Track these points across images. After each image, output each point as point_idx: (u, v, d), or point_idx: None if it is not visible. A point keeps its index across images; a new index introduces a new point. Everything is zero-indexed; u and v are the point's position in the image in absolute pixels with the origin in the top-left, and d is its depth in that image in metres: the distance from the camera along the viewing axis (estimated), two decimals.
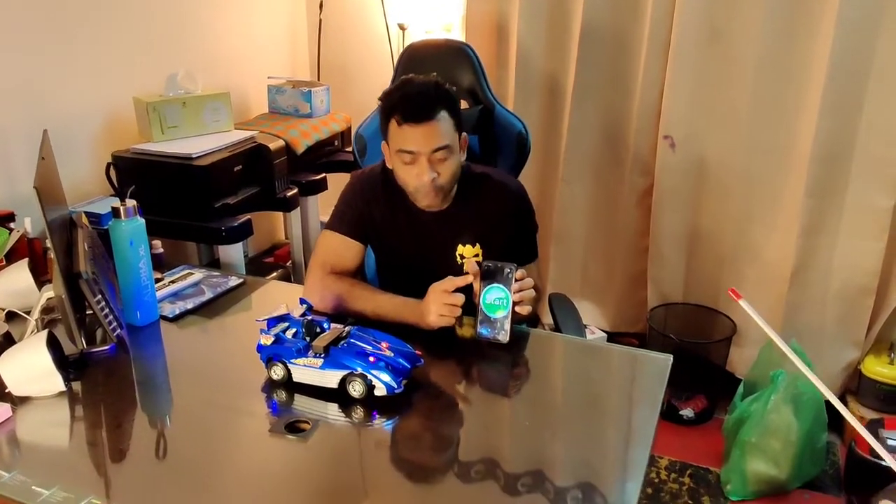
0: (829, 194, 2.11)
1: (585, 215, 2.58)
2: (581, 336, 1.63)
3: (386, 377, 1.15)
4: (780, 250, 2.24)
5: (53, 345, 1.21)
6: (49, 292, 1.35)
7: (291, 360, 1.20)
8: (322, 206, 2.62)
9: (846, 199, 2.11)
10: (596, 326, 2.68)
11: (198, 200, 1.93)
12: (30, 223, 1.67)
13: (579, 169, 2.50)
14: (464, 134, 1.48)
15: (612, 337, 2.63)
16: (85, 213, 1.61)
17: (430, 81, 1.45)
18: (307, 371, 1.19)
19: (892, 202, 2.05)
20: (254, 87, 2.64)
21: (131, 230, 1.38)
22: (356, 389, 1.16)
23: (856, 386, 2.26)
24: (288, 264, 2.53)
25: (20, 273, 1.47)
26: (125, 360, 1.35)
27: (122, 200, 1.38)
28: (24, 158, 1.85)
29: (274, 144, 2.13)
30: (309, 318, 1.25)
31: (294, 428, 1.11)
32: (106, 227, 1.41)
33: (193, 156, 1.92)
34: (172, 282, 1.62)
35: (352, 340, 1.21)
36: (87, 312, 1.37)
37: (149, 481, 1.03)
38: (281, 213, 2.85)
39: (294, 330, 1.23)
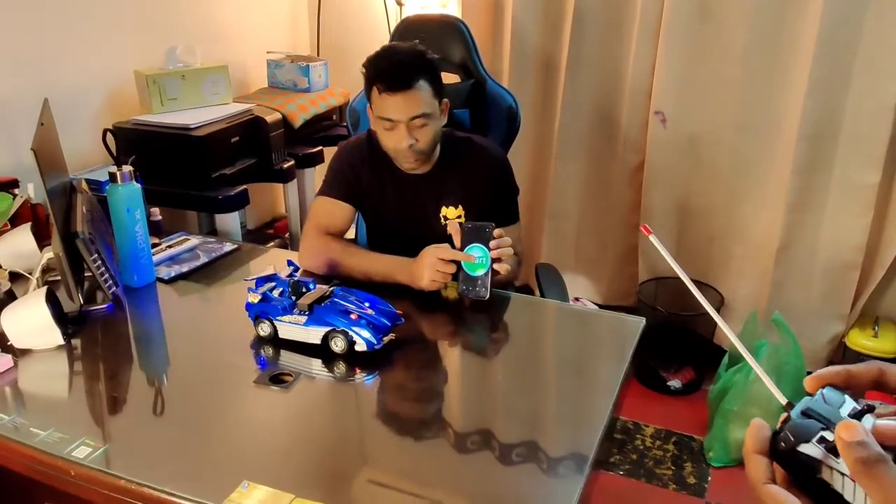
0: (816, 171, 2.14)
1: (578, 192, 2.62)
2: (564, 301, 1.68)
3: (366, 334, 1.20)
4: (767, 226, 2.27)
5: (52, 301, 1.27)
6: (50, 253, 1.42)
7: (277, 318, 1.26)
8: (319, 178, 2.66)
9: (832, 176, 2.14)
10: (588, 299, 2.73)
11: (195, 170, 1.98)
12: (33, 189, 1.73)
13: (573, 146, 2.54)
14: (445, 100, 1.54)
15: (604, 309, 2.68)
16: (85, 179, 1.67)
17: (411, 50, 1.50)
18: (292, 328, 1.25)
19: (878, 178, 2.07)
20: (254, 62, 2.69)
21: (128, 194, 1.44)
22: (337, 345, 1.22)
23: (840, 358, 2.31)
24: (286, 235, 2.59)
25: (23, 236, 1.53)
26: (122, 318, 1.41)
27: (119, 166, 1.44)
28: (28, 128, 1.88)
29: (271, 117, 2.18)
30: (295, 278, 1.31)
31: (278, 380, 1.17)
32: (105, 194, 1.47)
33: (191, 126, 1.97)
34: (169, 247, 1.68)
35: (335, 299, 1.27)
36: (86, 274, 1.43)
37: (141, 427, 1.09)
38: (281, 188, 2.91)
39: (280, 289, 1.29)
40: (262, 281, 1.30)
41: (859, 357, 2.22)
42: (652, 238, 0.58)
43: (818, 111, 2.06)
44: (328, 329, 1.22)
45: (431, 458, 1.04)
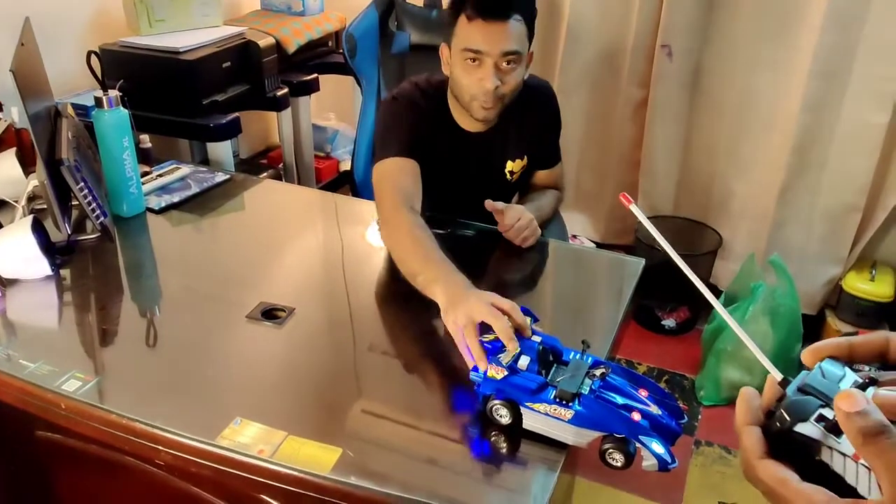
0: (825, 109, 2.09)
1: (580, 126, 2.56)
2: (563, 240, 1.65)
3: (659, 448, 0.80)
4: (770, 166, 2.23)
5: (39, 230, 1.24)
6: (35, 181, 1.37)
7: (526, 404, 0.87)
8: (314, 107, 2.59)
9: (840, 116, 2.09)
10: (586, 237, 2.71)
11: (185, 96, 1.91)
12: (17, 113, 1.67)
13: (575, 79, 2.46)
14: (531, 50, 1.38)
15: (601, 248, 2.66)
16: (71, 104, 1.61)
17: None
18: (546, 420, 0.86)
19: (887, 119, 2.02)
20: None
21: (115, 120, 1.39)
22: (616, 459, 0.83)
23: (835, 301, 2.31)
24: (279, 166, 2.54)
25: (7, 162, 1.49)
26: (111, 249, 1.38)
27: (105, 90, 1.38)
28: (9, 48, 1.82)
29: (264, 42, 2.09)
30: (541, 339, 0.92)
31: (271, 315, 1.15)
32: (92, 120, 1.42)
33: (181, 50, 1.89)
34: (160, 175, 1.63)
35: (605, 387, 0.86)
36: (73, 203, 1.39)
37: (132, 360, 1.08)
38: (275, 116, 2.83)
39: (529, 358, 0.89)
40: (496, 345, 0.91)
41: (854, 300, 2.22)
42: (633, 208, 0.54)
43: (832, 48, 1.99)
44: (602, 434, 0.84)
45: (424, 392, 1.03)
